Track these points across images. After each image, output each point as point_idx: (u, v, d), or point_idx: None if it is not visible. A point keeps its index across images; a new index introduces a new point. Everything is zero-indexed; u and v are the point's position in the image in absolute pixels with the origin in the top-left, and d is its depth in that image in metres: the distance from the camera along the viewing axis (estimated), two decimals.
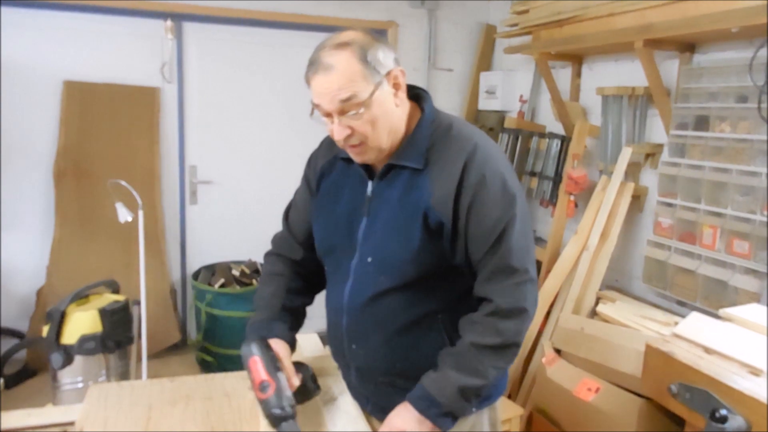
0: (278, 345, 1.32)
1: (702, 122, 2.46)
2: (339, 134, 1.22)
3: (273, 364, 1.24)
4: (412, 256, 1.26)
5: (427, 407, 1.23)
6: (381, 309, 1.32)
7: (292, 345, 1.39)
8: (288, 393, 1.21)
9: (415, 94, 1.34)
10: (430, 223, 1.25)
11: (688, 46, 2.59)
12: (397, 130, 1.27)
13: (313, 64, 1.20)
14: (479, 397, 1.29)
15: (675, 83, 2.64)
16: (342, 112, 1.20)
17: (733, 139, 2.31)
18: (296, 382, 1.27)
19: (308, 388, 1.31)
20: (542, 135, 3.42)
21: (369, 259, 1.31)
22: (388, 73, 1.22)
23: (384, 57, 1.21)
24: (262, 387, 1.21)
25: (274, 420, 1.18)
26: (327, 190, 1.42)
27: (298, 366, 1.32)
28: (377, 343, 1.34)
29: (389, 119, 1.24)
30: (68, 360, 2.50)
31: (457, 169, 1.23)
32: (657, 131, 2.81)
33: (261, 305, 1.43)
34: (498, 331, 1.23)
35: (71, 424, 1.31)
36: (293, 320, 1.43)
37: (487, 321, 1.24)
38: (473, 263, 1.27)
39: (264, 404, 1.20)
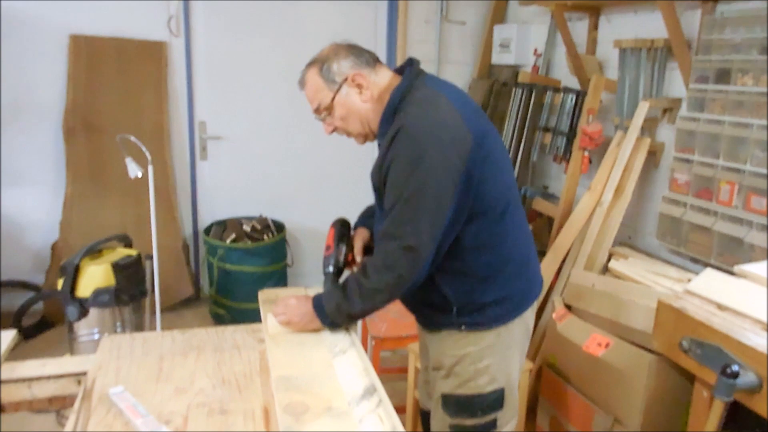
0: (360, 232, 1.65)
1: (723, 75, 2.38)
2: (326, 130, 1.53)
3: (342, 238, 1.60)
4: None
5: (319, 311, 1.45)
6: None
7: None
8: (339, 258, 1.56)
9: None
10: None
11: None
12: (370, 119, 1.47)
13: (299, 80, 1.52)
14: (350, 318, 1.47)
15: (696, 35, 2.55)
16: (319, 114, 1.50)
17: (755, 93, 2.24)
18: (357, 259, 1.60)
19: None
20: (557, 89, 3.35)
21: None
22: (345, 79, 1.44)
23: (338, 67, 1.44)
24: (326, 248, 1.59)
25: (324, 270, 1.56)
26: None
27: (369, 250, 1.62)
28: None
29: (357, 113, 1.46)
30: (83, 312, 2.55)
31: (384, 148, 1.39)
32: (676, 85, 2.73)
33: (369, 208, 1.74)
34: (368, 276, 1.40)
35: (85, 374, 1.33)
36: None
37: (363, 269, 1.42)
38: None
39: (323, 260, 1.58)
